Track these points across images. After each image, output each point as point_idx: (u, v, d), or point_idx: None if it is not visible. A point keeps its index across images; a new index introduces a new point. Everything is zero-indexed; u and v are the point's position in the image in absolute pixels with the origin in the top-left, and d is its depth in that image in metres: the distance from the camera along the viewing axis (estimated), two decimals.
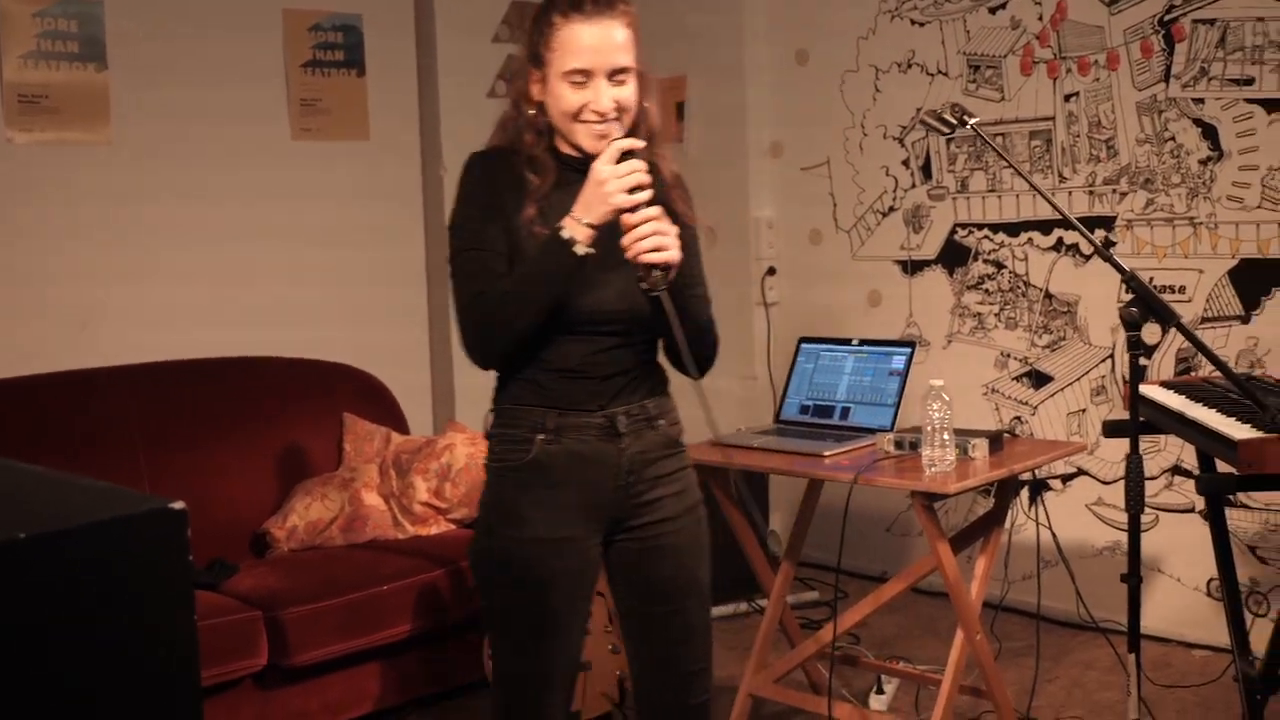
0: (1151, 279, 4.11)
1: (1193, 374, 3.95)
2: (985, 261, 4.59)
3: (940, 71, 4.64)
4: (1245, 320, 3.97)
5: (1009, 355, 4.57)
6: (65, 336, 4.09)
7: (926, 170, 4.73)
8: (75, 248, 4.13)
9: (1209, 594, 4.06)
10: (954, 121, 2.28)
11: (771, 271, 5.21)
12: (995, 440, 3.34)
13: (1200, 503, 3.92)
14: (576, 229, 2.17)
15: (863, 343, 3.66)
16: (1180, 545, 4.14)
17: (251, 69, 4.50)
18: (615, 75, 2.25)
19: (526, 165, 2.30)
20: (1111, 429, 3.13)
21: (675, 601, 2.35)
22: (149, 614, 1.12)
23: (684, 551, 2.36)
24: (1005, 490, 3.38)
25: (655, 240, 2.14)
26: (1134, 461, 2.45)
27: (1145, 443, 4.09)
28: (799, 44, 5.08)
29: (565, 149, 2.32)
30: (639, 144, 2.19)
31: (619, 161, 2.15)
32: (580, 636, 2.36)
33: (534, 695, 2.32)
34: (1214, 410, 2.65)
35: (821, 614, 4.51)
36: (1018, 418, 4.55)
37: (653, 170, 2.22)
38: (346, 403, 4.36)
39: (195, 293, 4.36)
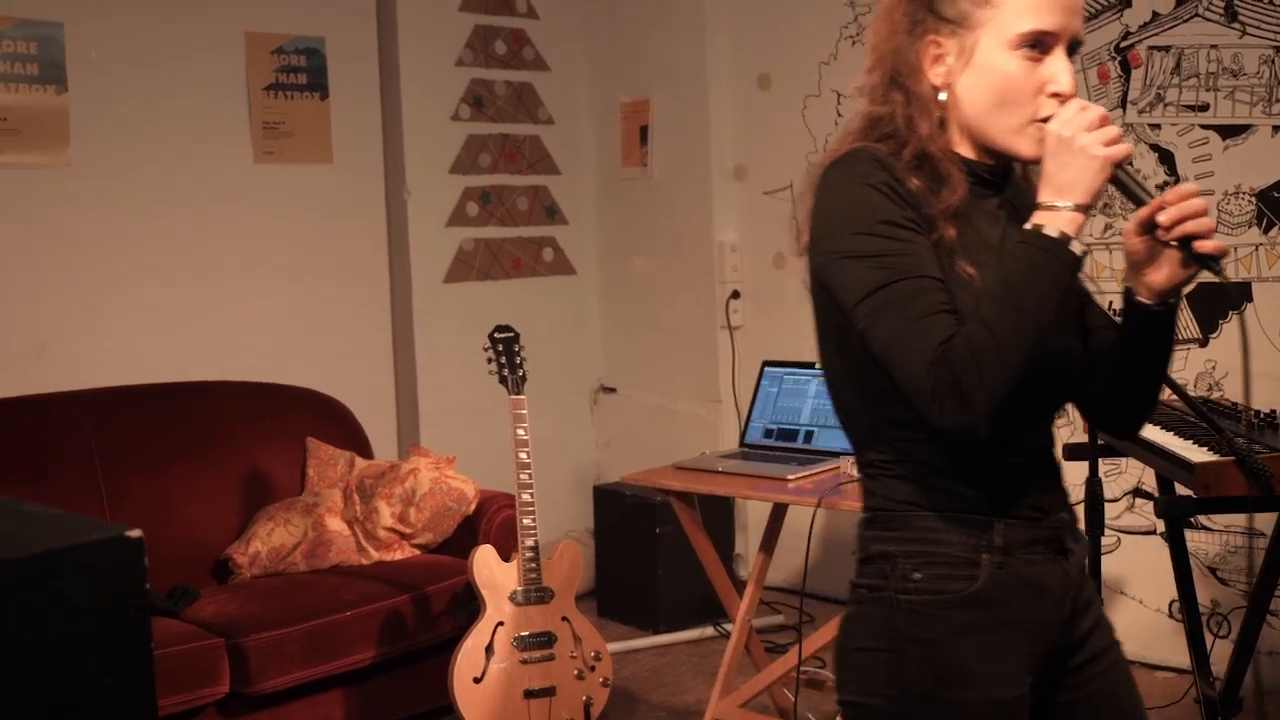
0: (1110, 304, 4.15)
1: None
2: None
3: None
4: (1203, 344, 4.01)
5: None
6: (23, 360, 4.05)
7: None
8: (34, 272, 4.09)
9: (1171, 615, 4.09)
10: None
11: (735, 295, 5.22)
12: None
13: (1161, 525, 3.94)
14: (1059, 219, 1.49)
15: None
16: (1142, 567, 4.17)
17: (213, 92, 4.48)
18: (1073, 50, 1.60)
19: (925, 171, 1.60)
20: (1072, 451, 3.15)
21: None
22: (105, 643, 1.11)
23: (1129, 697, 1.80)
24: None
25: (1205, 221, 1.50)
26: (1093, 484, 2.47)
27: (1106, 465, 4.16)
28: (761, 68, 5.11)
29: (970, 154, 1.65)
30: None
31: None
32: None
33: None
34: (1171, 434, 2.68)
35: (787, 638, 4.50)
36: None
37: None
38: (309, 427, 4.34)
39: (156, 317, 4.32)
